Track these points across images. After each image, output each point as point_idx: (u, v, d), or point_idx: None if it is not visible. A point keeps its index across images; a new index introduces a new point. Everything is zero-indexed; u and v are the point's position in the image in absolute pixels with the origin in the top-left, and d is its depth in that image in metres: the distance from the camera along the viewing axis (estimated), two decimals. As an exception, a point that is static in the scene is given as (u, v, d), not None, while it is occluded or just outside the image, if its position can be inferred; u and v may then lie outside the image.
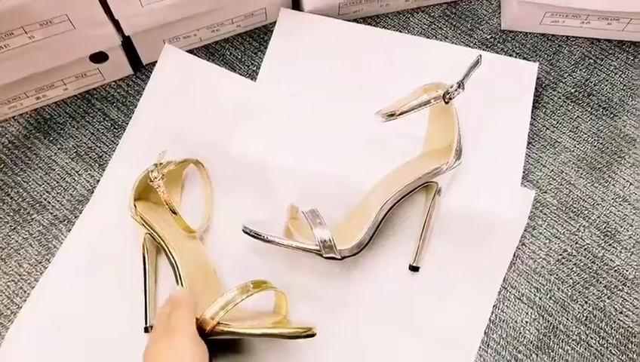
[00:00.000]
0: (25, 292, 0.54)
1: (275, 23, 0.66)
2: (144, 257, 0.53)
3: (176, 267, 0.51)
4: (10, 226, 0.57)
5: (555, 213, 0.58)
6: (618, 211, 0.58)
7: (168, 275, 0.52)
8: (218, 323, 0.45)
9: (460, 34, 0.67)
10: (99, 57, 0.60)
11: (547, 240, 0.57)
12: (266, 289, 0.48)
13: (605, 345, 0.53)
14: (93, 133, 0.62)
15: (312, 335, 0.46)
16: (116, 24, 0.57)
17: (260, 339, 0.52)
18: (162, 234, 0.52)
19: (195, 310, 0.46)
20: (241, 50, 0.66)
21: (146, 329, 0.51)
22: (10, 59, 0.53)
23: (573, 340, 0.53)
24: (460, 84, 0.51)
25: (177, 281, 0.50)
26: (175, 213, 0.51)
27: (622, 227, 0.58)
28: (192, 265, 0.52)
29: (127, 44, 0.61)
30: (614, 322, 0.54)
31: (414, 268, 0.54)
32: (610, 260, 0.56)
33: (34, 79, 0.58)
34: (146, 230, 0.53)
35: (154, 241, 0.53)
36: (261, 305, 0.51)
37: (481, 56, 0.51)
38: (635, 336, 0.54)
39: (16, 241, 0.57)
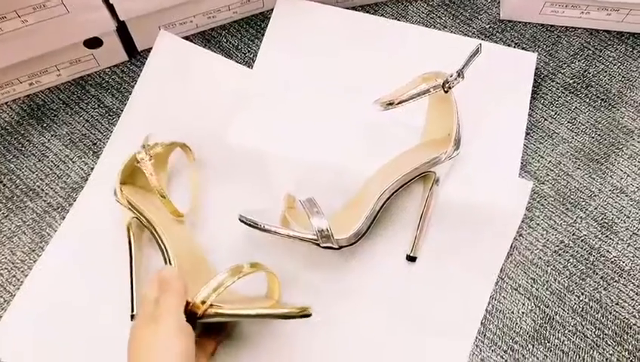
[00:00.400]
0: (18, 280, 0.54)
1: (272, 10, 0.65)
2: (130, 241, 0.52)
3: (164, 249, 0.49)
4: (3, 213, 0.56)
5: (552, 204, 0.58)
6: (615, 203, 0.58)
7: (156, 263, 0.51)
8: (210, 305, 0.44)
9: (458, 23, 0.66)
10: (93, 43, 0.59)
11: (544, 232, 0.57)
12: (259, 270, 0.48)
13: (601, 336, 0.53)
14: (87, 120, 0.61)
15: (308, 315, 0.45)
16: (111, 9, 0.56)
17: (255, 323, 0.51)
18: (150, 217, 0.51)
19: (185, 293, 0.45)
20: (237, 37, 0.65)
21: (133, 318, 0.51)
22: (2, 43, 0.52)
23: (569, 331, 0.54)
24: (460, 73, 0.50)
25: (166, 262, 0.49)
26: (163, 196, 0.50)
27: (619, 218, 0.58)
28: (181, 249, 0.50)
29: (122, 30, 0.60)
30: (610, 313, 0.54)
31: (412, 258, 0.54)
32: (607, 251, 0.56)
33: (27, 64, 0.57)
34: (132, 214, 0.52)
35: (141, 225, 0.52)
36: (252, 290, 0.51)
37: (481, 45, 0.51)
38: (630, 327, 0.54)
39: (9, 229, 0.56)
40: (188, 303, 0.44)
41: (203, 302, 0.44)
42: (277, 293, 0.50)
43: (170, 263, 0.48)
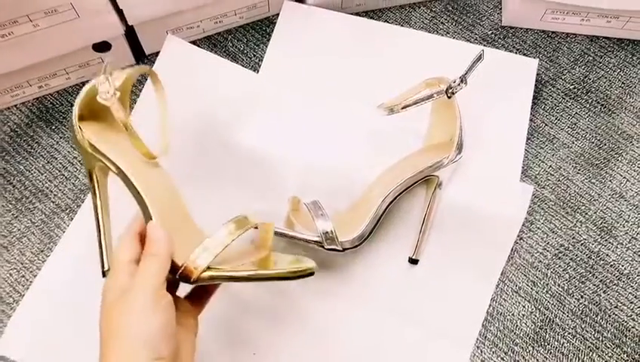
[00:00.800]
0: (27, 280, 0.55)
1: (277, 15, 0.66)
2: (94, 189, 0.45)
3: (142, 199, 0.42)
4: (13, 214, 0.57)
5: (552, 209, 0.59)
6: (614, 207, 0.59)
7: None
8: (208, 267, 0.39)
9: (461, 29, 0.67)
10: (102, 46, 0.60)
11: (545, 235, 0.58)
12: (256, 224, 0.43)
13: (600, 339, 0.54)
14: (95, 123, 0.62)
15: (312, 274, 0.41)
16: (120, 13, 0.57)
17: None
18: (118, 161, 0.43)
19: (170, 256, 0.39)
20: (243, 41, 0.66)
21: (104, 274, 0.46)
22: (13, 47, 0.53)
23: (568, 333, 0.54)
24: (463, 79, 0.51)
25: (146, 217, 0.42)
26: (132, 134, 0.43)
27: (618, 223, 0.58)
28: (161, 199, 0.43)
29: (131, 34, 0.61)
30: (609, 316, 0.55)
31: (414, 261, 0.55)
32: (606, 255, 0.57)
33: (37, 68, 0.58)
34: (97, 158, 0.44)
35: (105, 172, 0.45)
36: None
37: (483, 51, 0.52)
38: (629, 330, 0.54)
39: (19, 230, 0.57)
40: (176, 266, 0.39)
41: (199, 264, 0.39)
42: (269, 242, 0.44)
43: (151, 218, 0.41)
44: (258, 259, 0.43)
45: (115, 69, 0.44)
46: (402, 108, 0.51)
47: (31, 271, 0.55)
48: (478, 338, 0.54)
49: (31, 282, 0.54)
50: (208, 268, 0.39)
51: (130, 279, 0.38)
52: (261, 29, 0.66)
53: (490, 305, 0.55)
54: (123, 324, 0.36)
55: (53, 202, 0.58)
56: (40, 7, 0.51)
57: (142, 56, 0.65)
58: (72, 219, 0.57)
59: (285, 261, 0.43)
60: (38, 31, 0.53)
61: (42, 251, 0.56)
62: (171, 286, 0.41)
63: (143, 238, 0.41)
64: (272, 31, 0.65)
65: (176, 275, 0.39)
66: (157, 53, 0.63)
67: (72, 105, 0.62)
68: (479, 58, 0.51)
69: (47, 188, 0.59)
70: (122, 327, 0.36)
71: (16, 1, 0.49)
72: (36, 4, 0.50)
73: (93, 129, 0.45)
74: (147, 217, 0.42)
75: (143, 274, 0.38)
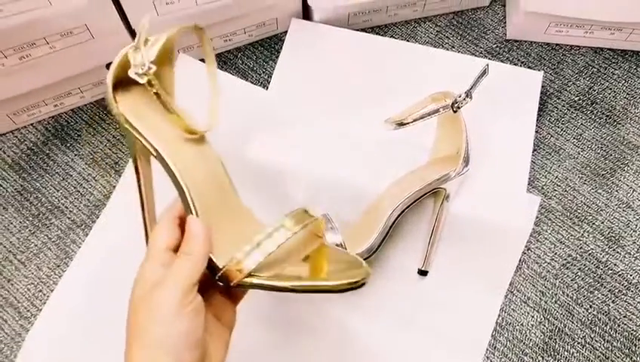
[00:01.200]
0: (44, 295, 0.56)
1: (285, 32, 0.67)
2: (137, 168, 0.40)
3: (181, 186, 0.37)
4: (30, 230, 0.59)
5: (559, 219, 0.60)
6: (622, 217, 0.60)
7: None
8: (250, 274, 0.34)
9: (466, 43, 0.68)
10: (115, 66, 0.62)
11: (552, 245, 0.58)
12: (316, 221, 0.37)
13: (610, 348, 0.55)
14: (109, 140, 0.63)
15: (363, 285, 0.36)
16: (132, 33, 0.59)
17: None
18: (154, 141, 0.38)
19: (206, 257, 0.36)
20: (253, 58, 0.67)
21: None
22: (31, 68, 0.55)
23: (578, 343, 0.55)
24: (468, 94, 0.52)
25: (189, 209, 0.37)
26: (174, 112, 0.38)
27: (625, 232, 0.59)
28: (204, 184, 0.39)
29: (143, 53, 0.63)
30: (618, 326, 0.55)
31: (423, 272, 0.56)
32: (614, 265, 0.58)
33: (52, 87, 0.60)
34: (134, 136, 0.39)
35: (146, 152, 0.39)
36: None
37: (488, 65, 0.53)
38: (638, 339, 0.55)
39: (36, 245, 0.58)
40: (214, 266, 0.35)
41: (243, 268, 0.34)
42: (321, 232, 0.39)
43: (194, 211, 0.37)
44: (311, 264, 0.37)
45: (152, 33, 0.38)
46: (409, 122, 0.52)
47: (48, 286, 0.56)
48: (487, 349, 0.54)
49: (48, 297, 0.55)
50: (250, 274, 0.35)
51: (164, 270, 0.36)
52: (270, 46, 0.68)
53: (499, 316, 0.55)
54: (147, 326, 0.35)
55: (68, 218, 0.59)
56: (56, 30, 0.53)
57: (154, 74, 0.66)
58: (87, 234, 0.58)
59: (338, 261, 0.37)
60: (54, 52, 0.55)
61: (59, 266, 0.57)
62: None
63: (183, 223, 0.38)
64: (281, 48, 0.66)
65: (215, 276, 0.36)
66: (168, 72, 0.65)
67: (86, 123, 0.64)
68: (484, 73, 0.52)
69: (63, 204, 0.60)
70: (146, 330, 0.34)
71: (34, 24, 0.51)
72: (53, 26, 0.52)
73: (128, 102, 0.39)
74: (186, 206, 0.37)
75: (174, 274, 0.35)
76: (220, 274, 0.36)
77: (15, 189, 0.60)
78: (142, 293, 0.36)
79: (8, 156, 0.62)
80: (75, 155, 0.62)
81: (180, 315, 0.34)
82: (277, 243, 0.35)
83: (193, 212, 0.37)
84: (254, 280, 0.35)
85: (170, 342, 0.34)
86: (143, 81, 0.36)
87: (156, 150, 0.39)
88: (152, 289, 0.35)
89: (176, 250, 0.37)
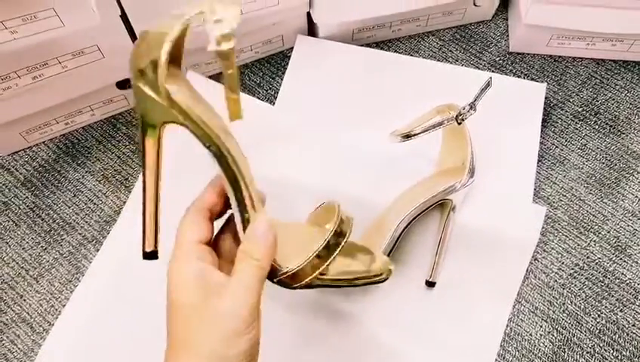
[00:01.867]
0: (56, 310, 0.57)
1: (291, 48, 0.68)
2: (144, 147, 0.35)
3: (240, 182, 0.34)
4: (42, 247, 0.60)
5: (566, 229, 0.60)
6: (628, 226, 0.60)
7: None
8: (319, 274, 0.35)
9: (469, 56, 0.69)
10: (125, 84, 0.63)
11: (559, 255, 0.59)
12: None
13: (619, 357, 0.55)
14: (119, 157, 0.64)
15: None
16: (142, 52, 0.60)
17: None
18: (211, 130, 0.34)
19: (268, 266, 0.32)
20: (259, 75, 0.68)
21: (152, 255, 0.36)
22: (43, 88, 0.56)
23: (587, 352, 0.55)
24: (472, 106, 0.53)
25: (245, 206, 0.34)
26: (237, 92, 0.33)
27: (632, 241, 0.59)
28: (251, 180, 0.36)
29: (152, 71, 0.64)
30: (627, 334, 0.55)
31: (431, 284, 0.56)
32: (622, 274, 0.58)
33: (64, 106, 0.61)
34: (173, 115, 0.34)
35: (156, 138, 0.35)
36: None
37: (491, 78, 0.54)
38: (647, 348, 0.55)
39: (48, 261, 0.59)
40: (277, 269, 0.34)
41: (313, 270, 0.34)
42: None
43: (250, 208, 0.34)
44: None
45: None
46: (414, 135, 0.53)
47: (60, 301, 0.57)
48: (496, 359, 0.54)
49: (60, 312, 0.56)
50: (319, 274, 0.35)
51: (202, 264, 0.32)
52: (276, 62, 0.69)
53: (507, 326, 0.56)
54: (202, 339, 0.31)
55: (80, 234, 0.60)
56: (68, 50, 0.54)
57: (162, 91, 0.67)
58: (98, 249, 0.59)
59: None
60: (66, 72, 0.56)
61: (70, 281, 0.58)
62: None
63: (212, 216, 0.36)
64: (287, 64, 0.68)
65: (273, 279, 0.34)
66: (177, 89, 0.66)
67: (96, 141, 0.65)
68: (487, 85, 0.53)
69: (74, 220, 0.61)
70: (200, 342, 0.30)
71: (47, 45, 0.52)
72: (65, 46, 0.53)
73: (176, 87, 0.35)
74: (239, 202, 0.34)
75: (238, 283, 0.32)
76: (282, 275, 0.34)
77: (27, 206, 0.61)
78: (192, 300, 0.32)
79: (21, 174, 0.63)
80: (86, 172, 0.63)
81: (245, 334, 0.31)
82: (340, 246, 0.37)
83: (251, 208, 0.34)
84: (318, 281, 0.37)
85: (229, 359, 0.31)
86: (229, 46, 0.32)
87: (214, 141, 0.35)
88: (207, 296, 0.31)
89: (207, 244, 0.34)
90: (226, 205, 0.37)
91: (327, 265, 0.37)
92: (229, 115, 0.35)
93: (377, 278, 0.41)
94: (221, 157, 0.35)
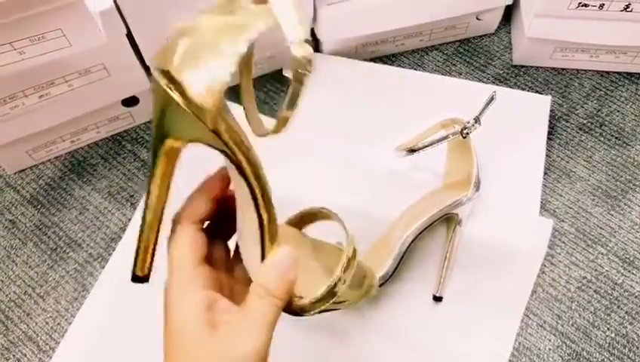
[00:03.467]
0: (63, 328, 0.57)
1: (295, 64, 0.69)
2: (155, 160, 0.31)
3: (260, 200, 0.31)
4: (48, 264, 0.60)
5: (573, 241, 0.60)
6: (636, 238, 0.59)
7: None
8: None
9: (473, 70, 0.69)
10: (130, 101, 0.64)
11: (566, 268, 0.58)
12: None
13: (629, 371, 0.54)
14: (124, 174, 0.64)
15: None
16: (147, 69, 0.60)
17: None
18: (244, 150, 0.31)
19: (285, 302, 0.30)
20: (263, 91, 0.69)
21: (142, 280, 0.33)
22: (50, 106, 0.57)
23: (597, 366, 0.54)
24: (477, 120, 0.53)
25: (263, 237, 0.31)
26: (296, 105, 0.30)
27: (640, 253, 0.59)
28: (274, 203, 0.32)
29: (157, 89, 0.65)
30: (637, 348, 0.55)
31: (438, 298, 0.56)
32: (630, 286, 0.57)
33: (69, 124, 0.62)
34: (208, 135, 0.31)
35: (176, 154, 0.31)
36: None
37: (495, 92, 0.54)
38: (658, 362, 0.54)
39: (54, 279, 0.59)
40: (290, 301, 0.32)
41: (319, 301, 0.33)
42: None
43: (270, 234, 0.31)
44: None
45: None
46: (419, 149, 0.53)
47: (66, 319, 0.57)
48: (505, 374, 0.54)
49: (66, 330, 0.56)
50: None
51: (209, 293, 0.29)
52: (280, 78, 0.69)
53: (516, 340, 0.55)
54: None
55: (86, 251, 0.60)
56: (74, 69, 0.54)
57: (168, 108, 0.68)
58: (104, 267, 0.59)
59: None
60: (72, 90, 0.56)
61: (76, 299, 0.58)
62: None
63: (203, 226, 0.32)
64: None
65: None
66: (182, 105, 0.66)
67: (102, 158, 0.65)
68: (491, 99, 0.53)
69: (80, 238, 0.61)
70: None
71: (53, 65, 0.52)
72: (71, 65, 0.54)
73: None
74: (270, 234, 0.31)
75: (251, 319, 0.29)
76: (293, 306, 0.33)
77: (34, 224, 0.62)
78: (199, 335, 0.29)
79: (27, 192, 0.63)
80: (92, 189, 0.64)
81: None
82: (352, 271, 0.37)
83: (271, 234, 0.31)
84: (331, 307, 0.36)
85: None
86: (309, 72, 0.30)
87: (250, 161, 0.32)
88: (216, 331, 0.29)
89: (205, 260, 0.31)
90: (219, 211, 0.34)
91: (339, 297, 0.36)
92: (276, 128, 0.34)
93: (369, 295, 0.41)
94: (254, 178, 0.32)
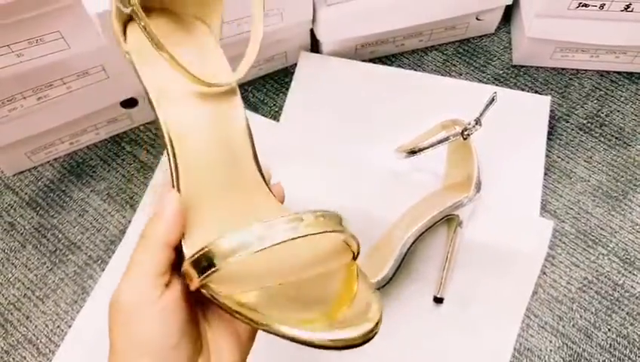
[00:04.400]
0: (62, 331, 0.56)
1: (295, 65, 0.69)
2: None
3: (170, 154, 0.30)
4: (47, 267, 0.59)
5: (573, 242, 0.59)
6: (636, 238, 0.59)
7: None
8: (204, 284, 0.26)
9: (473, 70, 0.69)
10: (129, 103, 0.63)
11: (567, 269, 0.58)
12: (333, 230, 0.28)
13: (630, 372, 0.54)
14: (123, 175, 0.64)
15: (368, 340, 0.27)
16: (146, 71, 0.60)
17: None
18: (148, 84, 0.31)
19: (168, 244, 0.29)
20: (263, 92, 0.68)
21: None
22: (48, 108, 0.56)
23: (598, 367, 0.54)
24: (478, 121, 0.53)
25: (172, 182, 0.31)
26: (163, 50, 0.30)
27: (641, 254, 0.59)
28: (205, 148, 0.31)
29: (156, 90, 0.64)
30: (638, 349, 0.55)
31: (439, 300, 0.56)
32: (631, 287, 0.57)
33: (68, 126, 0.61)
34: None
35: None
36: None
37: (496, 93, 0.54)
38: (659, 362, 0.54)
39: (53, 281, 0.59)
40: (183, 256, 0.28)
41: (200, 266, 0.25)
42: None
43: (176, 185, 0.30)
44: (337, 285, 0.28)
45: None
46: (419, 150, 0.53)
47: (66, 322, 0.57)
48: (507, 376, 0.54)
49: (66, 333, 0.56)
50: (205, 284, 0.26)
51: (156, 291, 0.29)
52: (280, 79, 0.69)
53: (516, 341, 0.55)
54: (112, 320, 0.30)
55: (85, 254, 0.60)
56: (73, 71, 0.54)
57: (167, 109, 0.68)
58: (104, 269, 0.59)
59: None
60: (70, 92, 0.56)
61: (76, 302, 0.58)
62: None
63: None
64: (291, 81, 0.68)
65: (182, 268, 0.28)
66: (181, 107, 0.66)
67: (101, 160, 0.65)
68: (492, 101, 0.53)
69: (80, 240, 0.61)
70: (121, 336, 0.30)
71: (52, 67, 0.52)
72: (70, 67, 0.53)
73: (136, 40, 0.34)
74: (173, 179, 0.30)
75: (134, 259, 0.30)
76: (188, 262, 0.27)
77: (33, 226, 0.61)
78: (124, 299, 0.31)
79: (26, 194, 0.63)
80: (91, 191, 0.63)
81: (151, 315, 0.28)
82: (272, 240, 0.24)
83: (174, 185, 0.30)
84: (217, 298, 0.25)
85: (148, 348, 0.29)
86: (127, 10, 0.31)
87: (147, 94, 0.31)
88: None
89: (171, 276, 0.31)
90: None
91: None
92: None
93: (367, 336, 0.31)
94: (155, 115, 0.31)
